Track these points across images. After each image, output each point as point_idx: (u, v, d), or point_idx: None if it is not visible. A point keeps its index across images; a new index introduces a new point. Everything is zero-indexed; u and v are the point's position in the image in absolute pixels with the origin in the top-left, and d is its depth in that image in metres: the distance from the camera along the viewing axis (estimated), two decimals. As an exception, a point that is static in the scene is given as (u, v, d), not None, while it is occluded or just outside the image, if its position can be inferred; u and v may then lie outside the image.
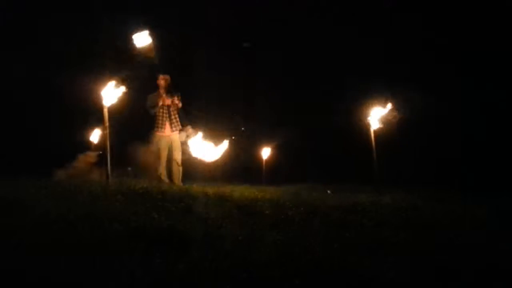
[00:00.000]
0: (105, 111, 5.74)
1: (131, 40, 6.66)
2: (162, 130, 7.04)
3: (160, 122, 7.05)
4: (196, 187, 5.99)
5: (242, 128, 12.52)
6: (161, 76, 7.12)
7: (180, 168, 7.05)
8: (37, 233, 2.97)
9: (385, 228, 3.91)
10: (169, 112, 7.06)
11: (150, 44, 6.69)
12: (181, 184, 6.85)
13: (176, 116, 7.15)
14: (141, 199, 4.59)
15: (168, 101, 7.01)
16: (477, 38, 10.12)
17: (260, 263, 2.63)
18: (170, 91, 7.10)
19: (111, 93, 5.76)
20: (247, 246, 2.94)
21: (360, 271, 2.61)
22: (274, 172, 10.67)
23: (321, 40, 11.89)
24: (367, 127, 7.31)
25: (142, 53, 6.74)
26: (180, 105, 7.08)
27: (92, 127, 9.19)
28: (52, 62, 10.29)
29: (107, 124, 5.77)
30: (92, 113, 7.86)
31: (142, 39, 6.62)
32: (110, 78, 5.85)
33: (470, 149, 9.75)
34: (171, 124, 7.06)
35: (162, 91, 7.07)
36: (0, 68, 9.29)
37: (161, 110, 7.04)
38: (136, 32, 6.61)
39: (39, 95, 10.15)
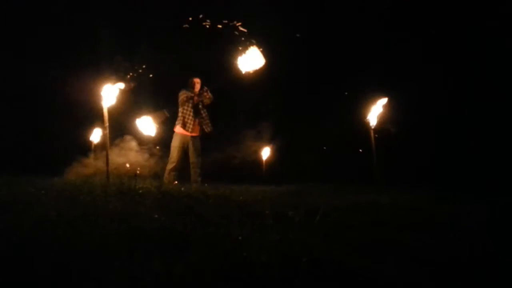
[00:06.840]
0: (105, 111, 5.74)
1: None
2: (184, 128, 7.05)
3: (184, 120, 7.06)
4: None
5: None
6: (195, 79, 7.20)
7: (198, 170, 7.04)
8: (36, 233, 2.97)
9: (385, 228, 3.91)
10: (195, 113, 7.08)
11: None
12: (198, 185, 6.79)
13: (204, 117, 7.18)
14: (141, 199, 4.59)
15: (196, 99, 7.06)
16: (477, 38, 10.12)
17: (260, 263, 2.63)
18: (201, 94, 7.18)
19: (111, 93, 5.77)
20: (247, 246, 2.93)
21: (360, 271, 2.61)
22: (274, 172, 10.67)
23: (320, 40, 11.89)
24: (366, 126, 7.32)
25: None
26: (207, 97, 7.10)
27: (92, 127, 9.19)
28: (52, 61, 10.29)
29: (107, 124, 5.77)
30: (93, 112, 7.87)
31: None
32: (110, 78, 5.86)
33: (470, 149, 9.76)
34: (195, 124, 7.08)
35: (195, 92, 7.14)
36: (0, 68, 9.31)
37: (188, 110, 7.06)
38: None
39: (39, 94, 10.14)
